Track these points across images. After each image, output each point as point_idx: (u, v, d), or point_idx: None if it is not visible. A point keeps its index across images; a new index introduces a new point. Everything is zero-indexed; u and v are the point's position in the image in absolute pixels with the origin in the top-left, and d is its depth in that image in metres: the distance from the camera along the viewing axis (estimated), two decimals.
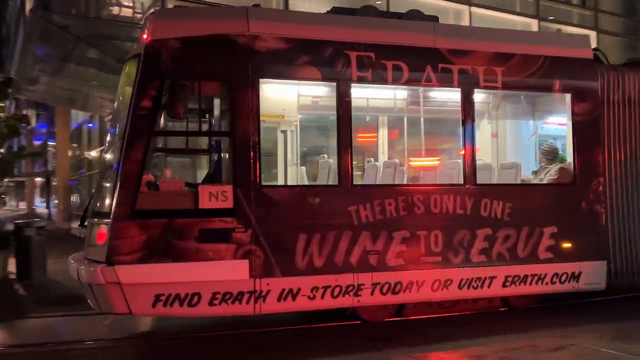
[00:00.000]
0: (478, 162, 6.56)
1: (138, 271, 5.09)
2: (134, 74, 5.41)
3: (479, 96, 6.98)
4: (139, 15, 13.95)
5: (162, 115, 5.85)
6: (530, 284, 6.40)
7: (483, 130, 7.29)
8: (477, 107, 7.04)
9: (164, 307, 5.21)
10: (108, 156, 6.07)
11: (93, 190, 6.52)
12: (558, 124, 7.68)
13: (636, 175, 6.95)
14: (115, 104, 6.33)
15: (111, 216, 5.15)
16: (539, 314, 6.80)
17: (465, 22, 15.32)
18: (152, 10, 5.89)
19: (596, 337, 5.38)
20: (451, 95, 6.89)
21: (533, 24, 16.66)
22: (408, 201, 5.93)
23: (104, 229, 5.25)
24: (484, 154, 7.34)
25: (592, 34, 18.02)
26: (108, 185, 5.66)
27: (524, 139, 7.64)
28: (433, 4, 14.99)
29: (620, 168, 6.87)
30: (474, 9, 15.36)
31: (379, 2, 14.39)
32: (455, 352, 5.12)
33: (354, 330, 6.34)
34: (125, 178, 5.16)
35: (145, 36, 5.48)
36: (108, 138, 6.35)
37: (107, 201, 5.42)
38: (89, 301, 5.69)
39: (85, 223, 5.92)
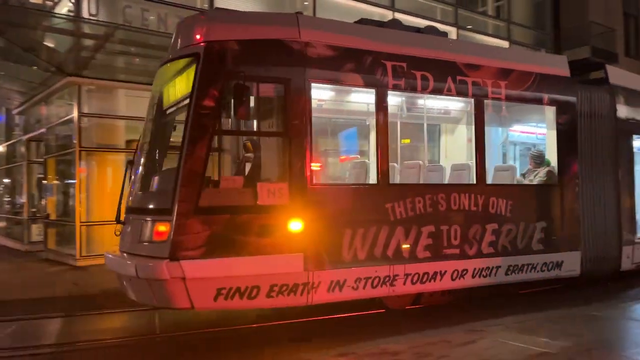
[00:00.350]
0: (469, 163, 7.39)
1: (202, 266, 5.21)
2: (189, 73, 5.53)
3: (457, 104, 7.63)
4: (50, 3, 13.13)
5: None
6: (525, 272, 7.24)
7: (459, 136, 7.76)
8: (455, 114, 7.80)
9: (225, 301, 5.36)
10: (152, 153, 6.32)
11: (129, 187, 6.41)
12: (521, 132, 8.55)
13: (601, 177, 8.19)
14: (156, 101, 6.41)
15: (174, 213, 5.22)
16: (452, 311, 7.06)
17: None
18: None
19: (504, 330, 5.65)
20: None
21: (452, 32, 17.35)
22: (434, 198, 6.53)
23: (163, 225, 5.29)
24: (462, 157, 7.92)
25: (506, 44, 19.10)
26: (162, 182, 5.78)
27: (495, 144, 8.23)
28: (358, 7, 15.26)
29: (590, 171, 8.04)
30: (398, 15, 15.75)
31: (306, 3, 14.46)
32: (373, 349, 5.20)
33: (272, 331, 6.30)
34: (189, 176, 5.28)
35: (198, 37, 5.64)
36: (148, 135, 6.50)
37: (164, 199, 5.43)
38: (132, 296, 5.82)
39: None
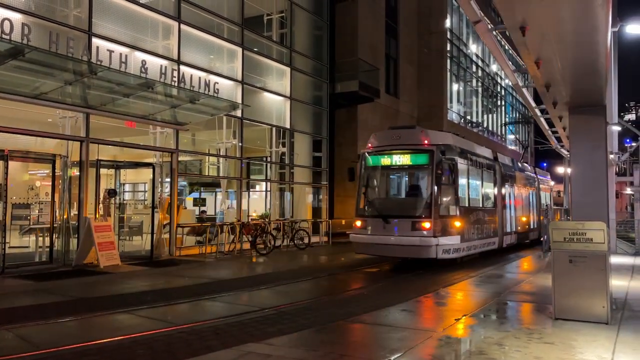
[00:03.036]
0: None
1: (442, 240, 12.72)
2: (428, 159, 13.12)
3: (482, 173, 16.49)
4: None
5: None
6: (488, 246, 15.77)
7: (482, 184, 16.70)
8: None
9: (444, 254, 12.74)
10: (407, 190, 14.53)
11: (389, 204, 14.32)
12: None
13: (501, 203, 17.28)
14: (399, 164, 13.90)
15: (432, 218, 12.61)
16: (211, 335, 7.06)
17: (173, 36, 15.34)
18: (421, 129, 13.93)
19: (269, 345, 5.82)
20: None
21: (238, 52, 17.75)
22: (479, 214, 15.32)
23: (428, 222, 12.57)
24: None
25: (287, 70, 20.28)
26: (423, 204, 12.98)
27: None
28: (145, 15, 14.59)
29: (499, 200, 17.19)
30: (183, 27, 15.51)
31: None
32: None
33: None
34: (436, 202, 12.78)
35: (427, 142, 13.19)
36: (402, 179, 14.88)
37: (427, 212, 12.76)
38: (401, 254, 13.31)
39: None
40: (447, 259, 13.10)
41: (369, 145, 14.15)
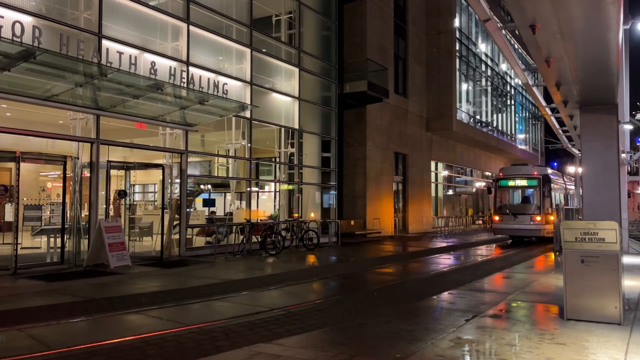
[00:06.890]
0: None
1: (544, 227, 22.83)
2: (537, 182, 23.61)
3: (559, 187, 28.74)
4: None
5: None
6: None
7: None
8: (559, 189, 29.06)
9: (545, 234, 22.92)
10: (525, 199, 24.96)
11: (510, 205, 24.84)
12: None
13: (568, 204, 30.39)
14: (519, 185, 24.83)
15: (541, 214, 22.98)
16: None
17: (183, 37, 15.40)
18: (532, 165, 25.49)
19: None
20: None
21: (246, 53, 17.78)
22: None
23: (539, 217, 22.89)
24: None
25: (296, 71, 20.29)
26: (535, 207, 23.46)
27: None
28: (154, 16, 14.66)
29: (567, 202, 30.24)
30: (192, 28, 15.56)
31: (88, 14, 13.36)
32: None
33: None
34: (543, 205, 23.51)
35: (536, 173, 23.87)
36: (519, 193, 25.76)
37: (538, 211, 23.10)
38: (526, 234, 23.79)
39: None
40: (546, 237, 22.72)
41: (500, 174, 24.95)
